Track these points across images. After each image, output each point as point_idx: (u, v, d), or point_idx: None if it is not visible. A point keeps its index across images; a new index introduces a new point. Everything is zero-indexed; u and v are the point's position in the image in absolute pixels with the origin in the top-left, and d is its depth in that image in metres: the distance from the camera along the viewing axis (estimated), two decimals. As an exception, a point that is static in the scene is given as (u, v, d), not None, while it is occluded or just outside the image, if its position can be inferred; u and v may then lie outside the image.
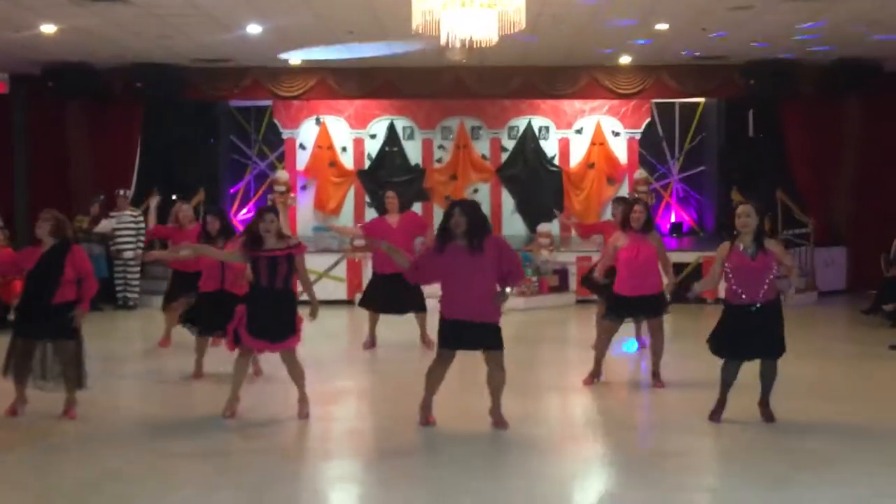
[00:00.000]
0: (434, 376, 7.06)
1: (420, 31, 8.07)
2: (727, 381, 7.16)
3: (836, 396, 8.17)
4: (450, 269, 6.82)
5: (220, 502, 5.56)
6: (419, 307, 10.35)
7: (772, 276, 6.92)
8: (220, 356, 8.53)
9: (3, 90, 15.00)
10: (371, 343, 10.69)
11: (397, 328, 11.04)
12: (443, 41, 8.07)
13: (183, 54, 14.04)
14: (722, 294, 7.34)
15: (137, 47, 13.40)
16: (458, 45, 8.20)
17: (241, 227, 16.55)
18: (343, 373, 9.48)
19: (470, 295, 6.76)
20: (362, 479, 6.16)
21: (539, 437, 6.95)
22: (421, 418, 7.11)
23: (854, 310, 13.56)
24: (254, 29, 12.15)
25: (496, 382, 6.97)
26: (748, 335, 6.97)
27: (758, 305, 6.91)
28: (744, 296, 6.95)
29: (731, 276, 6.98)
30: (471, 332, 6.82)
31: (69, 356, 7.27)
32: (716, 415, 7.19)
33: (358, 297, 14.62)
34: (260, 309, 7.17)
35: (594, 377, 8.63)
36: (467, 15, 7.56)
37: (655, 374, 8.61)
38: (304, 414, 7.36)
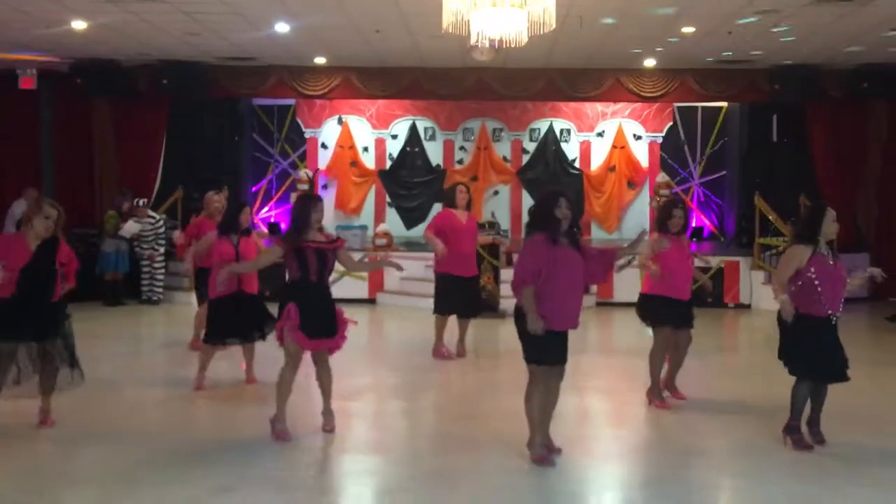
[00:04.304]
0: (537, 405, 6.06)
1: (449, 31, 8.09)
2: (800, 406, 6.51)
3: (867, 407, 7.93)
4: (557, 271, 5.87)
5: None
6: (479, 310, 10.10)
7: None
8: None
9: (31, 86, 15.15)
10: (450, 351, 9.97)
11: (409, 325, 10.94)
12: (472, 41, 8.09)
13: (209, 52, 14.15)
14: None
15: (164, 44, 13.51)
16: (486, 45, 8.24)
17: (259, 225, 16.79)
18: (363, 371, 9.48)
19: (576, 300, 6.04)
20: (383, 472, 6.19)
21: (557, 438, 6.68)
22: (536, 455, 6.11)
23: (877, 317, 13.50)
24: (282, 27, 12.23)
25: (554, 400, 6.22)
26: (836, 351, 6.36)
27: (838, 316, 6.32)
28: (828, 307, 6.29)
29: (817, 284, 6.24)
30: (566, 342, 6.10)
31: (58, 357, 6.75)
32: (799, 441, 6.51)
33: (380, 295, 14.77)
34: (312, 305, 6.58)
35: (660, 394, 7.90)
36: (498, 15, 7.57)
37: (671, 386, 8.04)
38: (329, 426, 6.89)
